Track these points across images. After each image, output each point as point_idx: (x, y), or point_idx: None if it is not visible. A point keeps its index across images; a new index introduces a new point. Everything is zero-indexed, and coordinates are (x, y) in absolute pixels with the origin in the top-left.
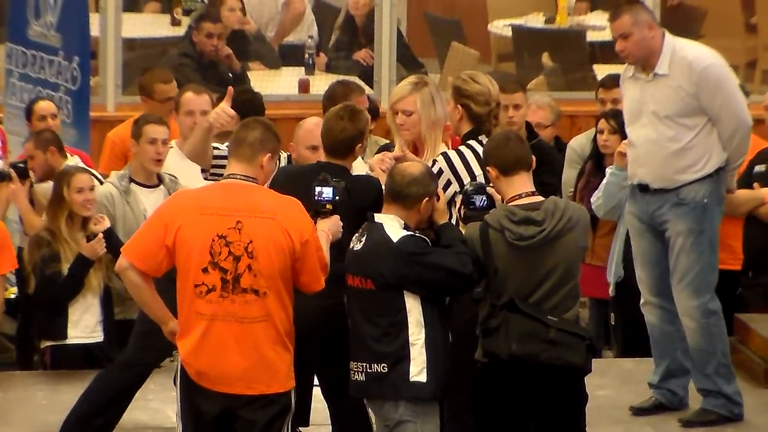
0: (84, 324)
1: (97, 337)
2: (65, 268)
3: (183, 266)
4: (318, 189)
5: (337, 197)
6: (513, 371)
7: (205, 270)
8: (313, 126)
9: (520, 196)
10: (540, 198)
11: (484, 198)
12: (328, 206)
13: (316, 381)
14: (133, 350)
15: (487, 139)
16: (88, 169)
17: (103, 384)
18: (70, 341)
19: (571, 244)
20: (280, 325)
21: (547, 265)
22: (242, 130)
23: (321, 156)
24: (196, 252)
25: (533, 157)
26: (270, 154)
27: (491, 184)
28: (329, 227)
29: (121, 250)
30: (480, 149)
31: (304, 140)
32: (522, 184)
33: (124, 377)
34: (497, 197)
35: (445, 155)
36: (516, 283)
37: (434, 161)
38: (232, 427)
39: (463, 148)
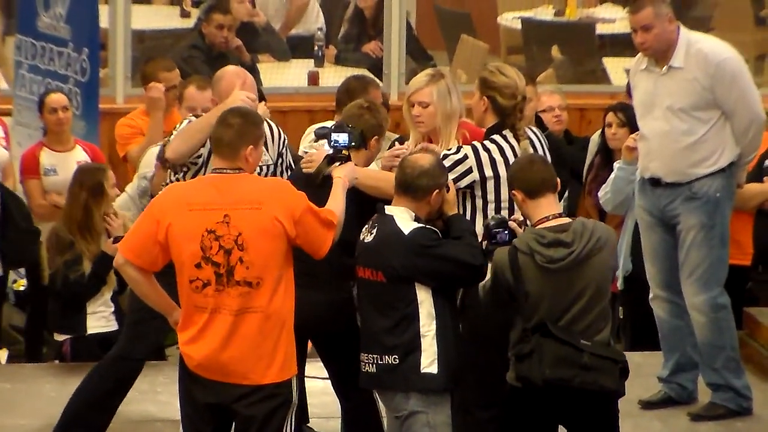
0: (100, 315)
1: (112, 326)
2: (87, 266)
3: (177, 262)
4: (334, 136)
5: (353, 143)
6: (546, 396)
7: (198, 265)
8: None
9: (547, 218)
10: (567, 219)
11: (506, 232)
12: (344, 152)
13: (325, 374)
14: (124, 343)
15: (510, 134)
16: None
17: (98, 378)
18: (88, 332)
19: (600, 265)
20: (277, 315)
21: (578, 286)
22: (218, 129)
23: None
24: (187, 248)
25: (558, 179)
26: (251, 146)
27: (512, 218)
28: (345, 173)
29: (118, 246)
30: (504, 144)
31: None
32: (548, 207)
33: (117, 371)
34: (519, 231)
35: (472, 145)
36: (547, 306)
37: (459, 147)
38: (232, 425)
39: (487, 143)
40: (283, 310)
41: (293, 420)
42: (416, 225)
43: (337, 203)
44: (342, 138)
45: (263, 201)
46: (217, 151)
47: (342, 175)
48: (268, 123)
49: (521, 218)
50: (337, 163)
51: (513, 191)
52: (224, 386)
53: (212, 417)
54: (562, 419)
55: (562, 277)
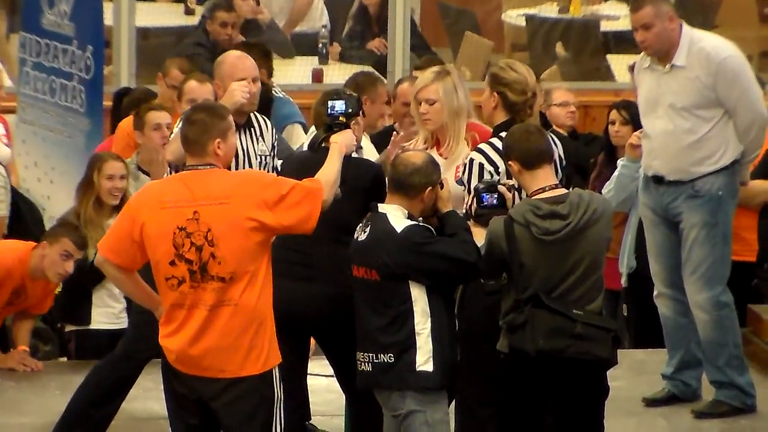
0: (109, 311)
1: (122, 323)
2: (92, 253)
3: (153, 260)
4: (331, 103)
5: (350, 110)
6: (539, 366)
7: (172, 263)
8: (235, 59)
9: (543, 190)
10: (564, 190)
11: (495, 196)
12: (341, 118)
13: (328, 372)
14: (128, 342)
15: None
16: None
17: (101, 376)
18: (94, 327)
19: (596, 237)
20: (253, 308)
21: (573, 258)
22: (184, 127)
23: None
24: (161, 246)
25: (554, 148)
26: (219, 139)
27: (502, 182)
28: (342, 140)
29: (98, 245)
30: None
31: (232, 74)
32: (545, 178)
33: (121, 369)
34: (508, 196)
35: (479, 150)
36: (541, 277)
37: (471, 160)
38: (216, 423)
39: (495, 140)
40: (259, 302)
41: (281, 415)
42: (409, 222)
43: (331, 167)
44: (339, 105)
45: (231, 195)
46: (186, 149)
47: (339, 141)
48: (256, 116)
49: (512, 182)
50: (335, 130)
51: (509, 162)
52: (202, 381)
53: (197, 410)
54: (553, 392)
55: (558, 249)
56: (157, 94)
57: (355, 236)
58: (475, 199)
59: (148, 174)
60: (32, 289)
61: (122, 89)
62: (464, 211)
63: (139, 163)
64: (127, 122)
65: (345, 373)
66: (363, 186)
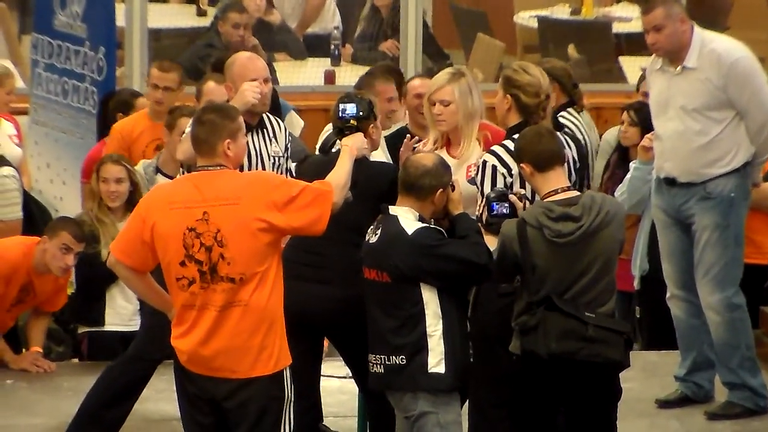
0: (123, 312)
1: (134, 325)
2: (105, 253)
3: (163, 261)
4: (341, 106)
5: (360, 113)
6: (551, 368)
7: (182, 263)
8: (246, 60)
9: (556, 192)
10: (576, 192)
11: (506, 205)
12: (352, 122)
13: (341, 373)
14: (141, 343)
15: None
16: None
17: (113, 377)
18: (107, 328)
19: (608, 239)
20: (263, 309)
21: (585, 260)
22: (194, 127)
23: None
24: (171, 247)
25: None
26: (229, 140)
27: (513, 192)
28: (353, 143)
29: (110, 246)
30: None
31: (243, 75)
32: (557, 180)
33: (133, 370)
34: (519, 205)
35: (492, 152)
36: (554, 279)
37: (484, 162)
38: (226, 424)
39: (508, 142)
40: (269, 303)
41: (291, 415)
42: (420, 225)
43: (341, 170)
44: (350, 108)
45: (241, 196)
46: (196, 150)
47: (350, 144)
48: (269, 117)
49: (522, 192)
50: (346, 133)
51: (521, 164)
52: (214, 381)
53: (210, 410)
54: (564, 395)
55: (570, 251)
56: (141, 94)
57: (366, 238)
58: (485, 207)
59: (167, 176)
60: (40, 284)
61: (107, 93)
62: (476, 213)
63: (160, 165)
64: (121, 125)
65: (361, 372)
66: (378, 188)
